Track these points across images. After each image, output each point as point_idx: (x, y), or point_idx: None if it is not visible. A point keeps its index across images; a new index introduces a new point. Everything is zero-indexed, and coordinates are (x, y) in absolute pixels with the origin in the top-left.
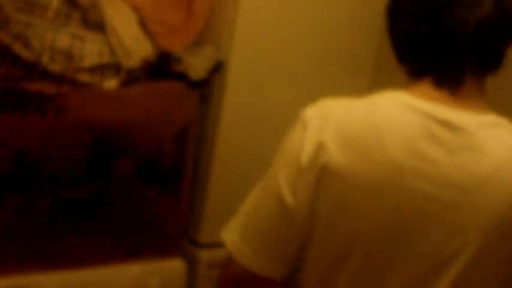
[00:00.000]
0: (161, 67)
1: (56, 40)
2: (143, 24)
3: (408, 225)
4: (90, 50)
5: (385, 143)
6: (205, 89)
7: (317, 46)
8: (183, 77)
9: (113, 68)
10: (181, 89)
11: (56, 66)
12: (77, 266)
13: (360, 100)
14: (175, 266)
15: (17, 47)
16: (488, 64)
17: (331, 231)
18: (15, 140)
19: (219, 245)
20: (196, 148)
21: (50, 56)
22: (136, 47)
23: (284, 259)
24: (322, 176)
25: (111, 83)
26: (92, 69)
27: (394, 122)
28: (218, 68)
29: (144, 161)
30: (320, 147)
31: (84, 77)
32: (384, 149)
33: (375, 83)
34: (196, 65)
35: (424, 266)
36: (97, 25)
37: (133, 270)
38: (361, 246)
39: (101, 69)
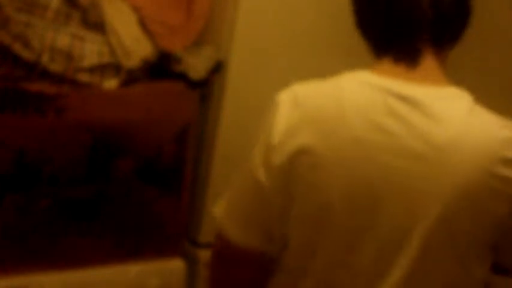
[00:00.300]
0: (161, 67)
1: (56, 40)
2: (143, 24)
3: (376, 196)
4: (90, 50)
5: (348, 120)
6: (205, 89)
7: (317, 46)
8: (183, 77)
9: (113, 68)
10: (181, 89)
11: (56, 66)
12: (77, 266)
13: (325, 82)
14: (175, 266)
15: (17, 47)
16: (446, 39)
17: (306, 208)
18: (15, 140)
19: None
20: (196, 148)
21: (50, 56)
22: (136, 47)
23: (264, 233)
24: (294, 157)
25: (111, 83)
26: (92, 69)
27: (355, 99)
28: (218, 68)
29: (144, 161)
30: (290, 129)
31: (84, 77)
32: (347, 126)
33: None
34: (196, 65)
35: (392, 234)
36: (97, 25)
37: (133, 270)
38: (334, 219)
39: (101, 69)
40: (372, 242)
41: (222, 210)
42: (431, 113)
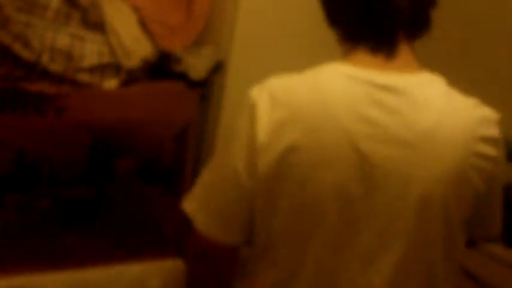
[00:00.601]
0: (161, 67)
1: (56, 40)
2: (143, 24)
3: (367, 186)
4: (90, 50)
5: (333, 114)
6: (205, 89)
7: (317, 46)
8: (183, 77)
9: (113, 68)
10: (181, 89)
11: (56, 66)
12: (77, 266)
13: (301, 76)
14: (175, 266)
15: (17, 47)
16: (419, 29)
17: (297, 204)
18: (15, 140)
19: None
20: (196, 148)
21: (50, 56)
22: (136, 47)
23: (241, 230)
24: (282, 156)
25: (111, 83)
26: (92, 69)
27: (339, 93)
28: (218, 68)
29: (144, 161)
30: (275, 129)
31: (84, 77)
32: (333, 120)
33: None
34: (196, 65)
35: (387, 221)
36: (97, 25)
37: (133, 270)
38: (327, 213)
39: (101, 69)
40: (368, 230)
41: (195, 204)
42: (413, 101)
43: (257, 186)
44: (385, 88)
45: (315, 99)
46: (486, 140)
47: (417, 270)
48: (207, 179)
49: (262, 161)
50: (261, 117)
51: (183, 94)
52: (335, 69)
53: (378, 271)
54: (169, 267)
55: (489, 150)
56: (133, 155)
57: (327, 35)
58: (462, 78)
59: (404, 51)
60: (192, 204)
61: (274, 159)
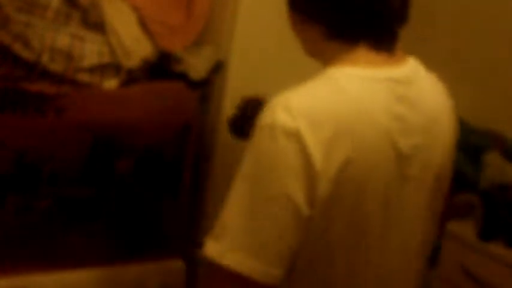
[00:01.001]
0: (161, 67)
1: (56, 40)
2: (143, 24)
3: (402, 179)
4: (90, 50)
5: (373, 118)
6: (206, 88)
7: None
8: (183, 77)
9: (113, 68)
10: (181, 89)
11: (56, 66)
12: (77, 266)
13: (318, 89)
14: (175, 266)
15: (17, 47)
16: (404, 22)
17: (353, 217)
18: (15, 140)
19: None
20: (196, 148)
21: (50, 56)
22: (136, 47)
23: (290, 260)
24: (338, 173)
25: (111, 83)
26: (92, 69)
27: (368, 96)
28: (218, 68)
29: (144, 161)
30: (326, 152)
31: (84, 77)
32: (375, 124)
33: None
34: (196, 65)
35: (414, 208)
36: (97, 25)
37: (133, 270)
38: (376, 219)
39: (101, 69)
40: (400, 221)
41: (240, 255)
42: (419, 88)
43: (315, 213)
44: (401, 82)
45: (350, 108)
46: (452, 110)
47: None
48: (248, 224)
49: (322, 186)
50: (310, 141)
51: (183, 94)
52: (349, 73)
53: (410, 255)
54: (169, 267)
55: (455, 122)
56: (133, 155)
57: None
58: (461, 75)
59: (397, 45)
60: (237, 256)
61: (331, 179)
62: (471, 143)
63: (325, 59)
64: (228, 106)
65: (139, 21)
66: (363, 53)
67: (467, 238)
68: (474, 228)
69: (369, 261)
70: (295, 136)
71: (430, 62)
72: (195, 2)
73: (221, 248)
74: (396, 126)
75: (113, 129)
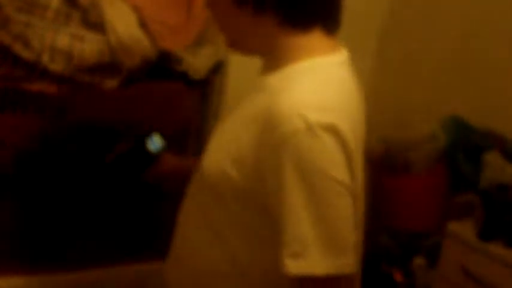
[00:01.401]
0: (161, 67)
1: (56, 40)
2: (143, 24)
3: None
4: (90, 50)
5: (355, 100)
6: (206, 88)
7: None
8: (183, 76)
9: (113, 68)
10: (181, 88)
11: (56, 66)
12: (76, 266)
13: (316, 82)
14: None
15: (17, 47)
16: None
17: (357, 189)
18: (15, 140)
19: None
20: (196, 148)
21: (50, 56)
22: (136, 47)
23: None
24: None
25: (111, 83)
26: (92, 69)
27: (347, 81)
28: (218, 68)
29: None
30: (353, 133)
31: (84, 77)
32: (357, 106)
33: (375, 81)
34: (197, 65)
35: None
36: (97, 25)
37: (133, 270)
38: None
39: (101, 69)
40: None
41: (330, 260)
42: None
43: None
44: (347, 64)
45: (343, 94)
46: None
47: None
48: (323, 232)
49: (354, 162)
50: (344, 130)
51: (183, 94)
52: (322, 62)
53: None
54: None
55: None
56: None
57: None
58: (461, 75)
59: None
60: (328, 261)
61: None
62: (471, 143)
63: (278, 52)
64: (228, 106)
65: (139, 21)
66: (317, 39)
67: (467, 238)
68: (474, 228)
69: (358, 225)
70: (332, 130)
71: (430, 62)
72: (195, 2)
73: (310, 261)
74: (360, 107)
75: (112, 129)
